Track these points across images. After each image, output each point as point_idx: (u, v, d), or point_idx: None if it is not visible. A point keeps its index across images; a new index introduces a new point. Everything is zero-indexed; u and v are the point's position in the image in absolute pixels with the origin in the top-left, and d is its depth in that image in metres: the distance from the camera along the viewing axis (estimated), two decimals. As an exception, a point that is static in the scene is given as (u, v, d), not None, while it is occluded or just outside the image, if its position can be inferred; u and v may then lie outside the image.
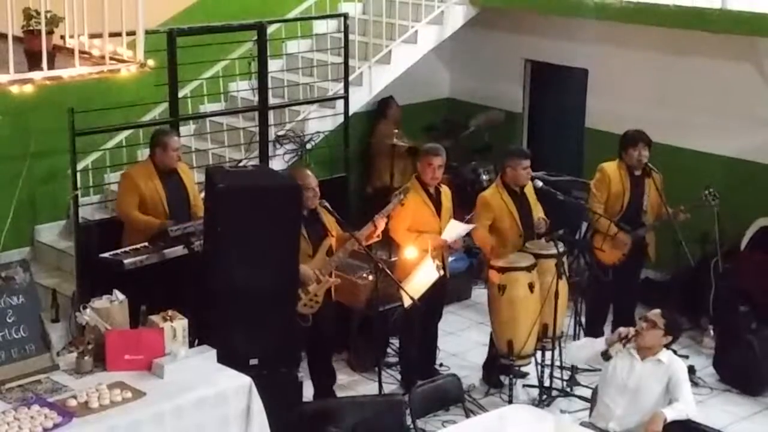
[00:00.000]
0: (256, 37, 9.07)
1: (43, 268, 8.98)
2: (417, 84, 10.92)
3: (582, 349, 6.62)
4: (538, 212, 8.08)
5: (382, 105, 10.84)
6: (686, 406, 6.14)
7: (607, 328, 8.79)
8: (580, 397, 7.79)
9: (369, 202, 9.95)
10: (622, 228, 8.31)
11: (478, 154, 10.98)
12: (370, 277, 8.13)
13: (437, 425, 7.10)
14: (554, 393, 7.88)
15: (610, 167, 8.42)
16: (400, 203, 7.64)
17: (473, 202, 8.17)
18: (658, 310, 6.36)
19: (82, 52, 5.48)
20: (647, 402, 6.20)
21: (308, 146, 9.72)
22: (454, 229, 7.83)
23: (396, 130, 10.49)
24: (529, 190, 8.08)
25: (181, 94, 8.90)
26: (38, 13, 5.30)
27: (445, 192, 7.99)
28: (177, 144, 7.84)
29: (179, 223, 7.53)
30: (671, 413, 6.05)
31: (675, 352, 8.25)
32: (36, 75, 5.22)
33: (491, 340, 8.13)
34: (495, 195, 7.95)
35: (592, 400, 6.64)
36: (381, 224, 7.48)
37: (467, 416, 6.90)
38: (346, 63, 9.55)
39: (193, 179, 8.19)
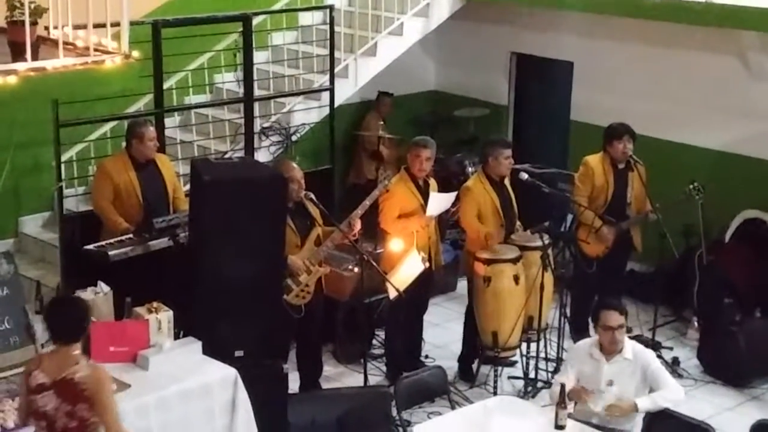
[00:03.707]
0: (241, 29, 9.04)
1: (27, 259, 8.95)
2: (402, 76, 10.91)
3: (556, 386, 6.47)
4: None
5: (380, 97, 10.84)
6: (669, 393, 6.12)
7: (592, 320, 8.83)
8: (565, 389, 7.80)
9: (354, 193, 9.94)
10: (606, 220, 8.34)
11: (463, 146, 10.99)
12: (356, 269, 8.12)
13: (422, 417, 7.11)
14: (539, 384, 7.90)
15: (594, 160, 8.44)
16: (385, 189, 7.65)
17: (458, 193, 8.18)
18: (611, 312, 6.19)
19: (66, 43, 5.48)
20: (624, 396, 6.19)
21: (294, 138, 9.71)
22: (438, 202, 7.82)
23: (381, 122, 10.52)
24: (508, 182, 8.10)
25: (166, 86, 8.87)
26: (22, 4, 5.29)
27: (432, 184, 8.01)
28: (153, 134, 7.82)
29: (155, 215, 7.51)
30: (644, 403, 6.05)
31: (660, 344, 8.35)
32: (20, 66, 5.22)
33: (464, 335, 8.16)
34: (477, 185, 7.96)
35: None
36: (357, 224, 7.47)
37: (452, 408, 6.91)
38: (331, 55, 9.53)
39: (173, 170, 8.16)
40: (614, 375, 6.22)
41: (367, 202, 7.55)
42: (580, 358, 6.36)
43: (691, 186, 8.37)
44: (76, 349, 4.99)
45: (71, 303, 5.18)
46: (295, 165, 7.46)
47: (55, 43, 5.41)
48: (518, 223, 8.12)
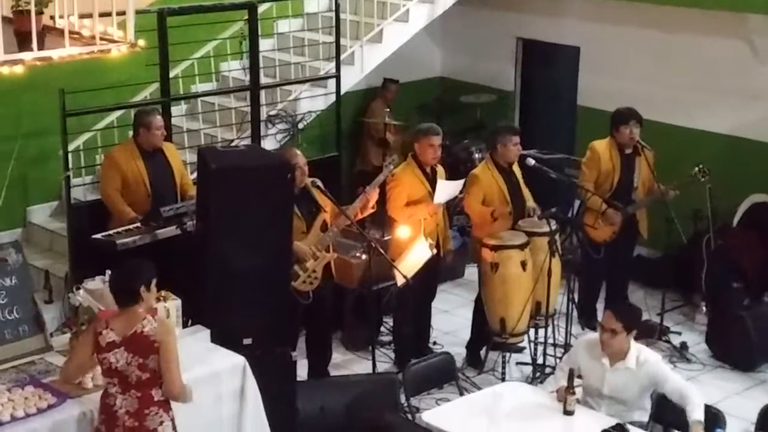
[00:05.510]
0: (247, 17, 9.03)
1: (36, 249, 8.96)
2: (409, 63, 10.89)
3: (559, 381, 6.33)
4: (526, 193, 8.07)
5: (386, 84, 10.82)
6: (695, 398, 5.94)
7: (600, 305, 8.83)
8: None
9: (361, 180, 9.94)
10: (613, 205, 8.33)
11: (470, 132, 10.97)
12: (364, 257, 8.13)
13: (431, 403, 7.12)
14: (548, 370, 7.90)
15: (600, 145, 8.43)
16: (390, 173, 7.65)
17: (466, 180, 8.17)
18: (609, 314, 6.08)
19: (72, 33, 5.46)
20: (628, 399, 6.12)
21: (300, 126, 9.70)
22: (445, 190, 7.81)
23: (387, 109, 10.51)
24: (516, 168, 8.09)
25: (172, 74, 8.87)
26: (27, -6, 5.28)
27: (440, 172, 8.00)
28: (160, 123, 7.84)
29: (163, 204, 7.52)
30: (697, 414, 5.84)
31: (668, 328, 8.34)
32: (26, 55, 5.20)
33: (474, 321, 8.16)
34: (485, 171, 7.95)
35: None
36: (374, 195, 7.49)
37: (461, 394, 6.91)
38: (337, 42, 9.51)
39: (180, 159, 8.17)
40: (616, 384, 6.10)
41: (368, 189, 7.55)
42: (583, 355, 6.24)
43: (697, 168, 8.35)
44: (140, 308, 5.27)
45: (130, 272, 5.39)
46: (298, 152, 7.47)
47: (60, 32, 5.39)
48: (532, 205, 8.05)
